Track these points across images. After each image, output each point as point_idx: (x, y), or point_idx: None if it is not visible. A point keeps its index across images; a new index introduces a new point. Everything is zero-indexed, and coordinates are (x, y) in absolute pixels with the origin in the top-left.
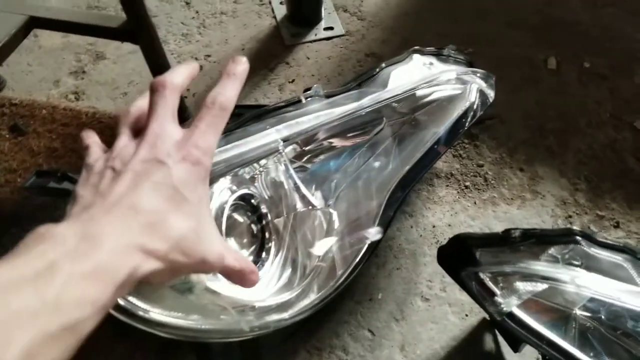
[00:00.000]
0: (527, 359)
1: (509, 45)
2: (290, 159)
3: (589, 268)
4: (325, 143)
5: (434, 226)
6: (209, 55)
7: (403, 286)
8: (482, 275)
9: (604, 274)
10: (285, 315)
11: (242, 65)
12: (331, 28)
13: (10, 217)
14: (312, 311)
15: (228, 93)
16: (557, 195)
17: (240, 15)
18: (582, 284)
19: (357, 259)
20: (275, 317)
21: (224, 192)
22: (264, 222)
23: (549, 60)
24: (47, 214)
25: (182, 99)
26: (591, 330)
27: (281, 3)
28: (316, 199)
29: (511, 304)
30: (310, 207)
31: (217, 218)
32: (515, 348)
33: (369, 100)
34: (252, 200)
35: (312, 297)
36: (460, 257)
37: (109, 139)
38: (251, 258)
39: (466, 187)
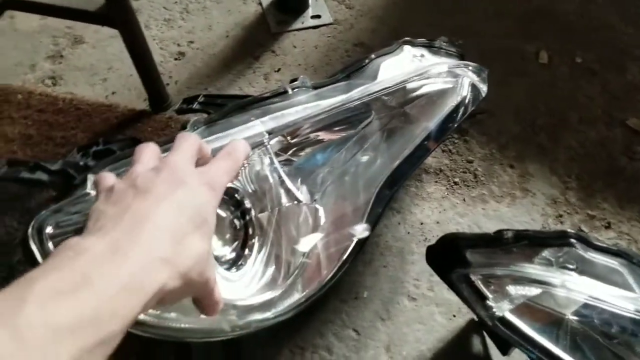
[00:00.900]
0: None
1: (498, 37)
2: (275, 151)
3: (583, 272)
4: (312, 136)
5: (422, 223)
6: (191, 42)
7: (389, 285)
8: (473, 277)
9: (599, 278)
10: (268, 314)
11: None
12: (318, 16)
13: None
14: (297, 310)
15: (240, 153)
16: (548, 194)
17: (225, 1)
18: (576, 289)
19: (345, 257)
20: (258, 316)
21: None
22: (247, 217)
23: (540, 54)
24: (21, 203)
25: (164, 86)
26: (584, 336)
27: None
28: (302, 193)
29: (503, 309)
30: (295, 202)
31: None
32: (505, 351)
33: (357, 92)
34: (236, 195)
35: (297, 296)
36: (449, 257)
37: (87, 126)
38: (233, 255)
39: (455, 183)
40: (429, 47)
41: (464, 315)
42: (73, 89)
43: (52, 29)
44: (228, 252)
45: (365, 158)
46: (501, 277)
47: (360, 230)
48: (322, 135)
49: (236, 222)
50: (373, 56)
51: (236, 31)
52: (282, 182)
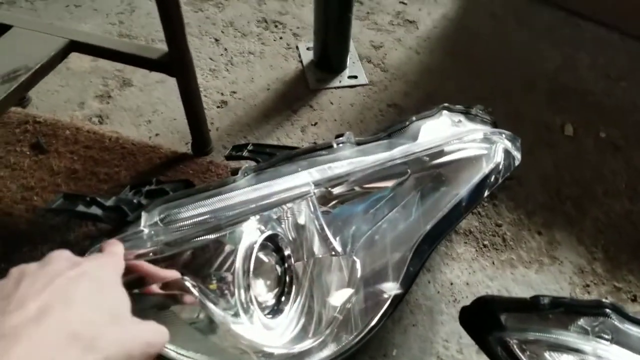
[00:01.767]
0: None
1: (525, 107)
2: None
3: (619, 343)
4: (352, 190)
5: (451, 283)
6: (234, 92)
7: (419, 344)
8: (509, 340)
9: (634, 350)
10: None
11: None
12: (355, 77)
13: (23, 235)
14: None
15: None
16: (575, 263)
17: (268, 57)
18: (612, 359)
19: (378, 317)
20: None
21: (254, 232)
22: (286, 264)
23: (565, 127)
24: (60, 235)
25: (207, 133)
26: None
27: (308, 49)
28: (337, 245)
29: None
30: (333, 254)
31: (247, 257)
32: None
33: (399, 151)
34: (278, 241)
35: (326, 353)
36: (485, 319)
37: (130, 165)
38: (274, 301)
39: (484, 245)
40: (466, 113)
41: None
42: (119, 128)
43: (103, 70)
44: (270, 298)
45: (399, 215)
46: (536, 343)
47: (394, 289)
48: (361, 190)
49: (277, 268)
50: (414, 118)
51: (277, 85)
52: (322, 233)
